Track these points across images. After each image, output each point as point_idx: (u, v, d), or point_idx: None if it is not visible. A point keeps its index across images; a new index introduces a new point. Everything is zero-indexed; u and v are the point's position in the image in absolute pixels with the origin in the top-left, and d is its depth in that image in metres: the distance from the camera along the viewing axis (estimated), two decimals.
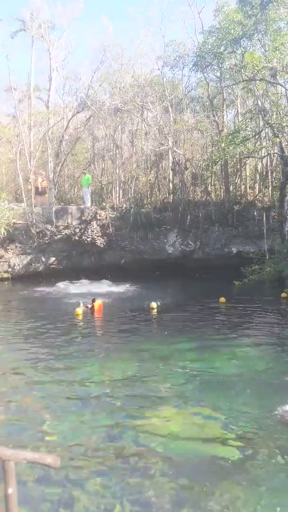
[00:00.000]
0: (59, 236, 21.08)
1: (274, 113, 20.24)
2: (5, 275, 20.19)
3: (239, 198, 24.44)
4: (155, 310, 13.58)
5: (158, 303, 13.90)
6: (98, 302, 13.28)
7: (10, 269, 20.31)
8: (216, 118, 24.09)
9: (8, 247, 20.25)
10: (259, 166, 24.88)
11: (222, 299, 14.42)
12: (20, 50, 31.27)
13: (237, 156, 24.00)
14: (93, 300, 13.28)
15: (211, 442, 5.39)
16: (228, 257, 22.08)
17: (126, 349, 9.56)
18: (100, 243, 21.58)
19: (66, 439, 5.40)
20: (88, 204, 22.45)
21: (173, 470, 4.76)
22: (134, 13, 38.84)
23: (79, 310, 13.09)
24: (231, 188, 25.04)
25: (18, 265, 20.44)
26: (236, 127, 22.78)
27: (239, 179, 26.41)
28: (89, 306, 13.22)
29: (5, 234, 19.66)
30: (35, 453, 3.06)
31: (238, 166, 25.92)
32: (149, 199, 24.64)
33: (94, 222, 21.75)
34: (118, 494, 4.33)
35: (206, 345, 9.69)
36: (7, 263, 20.22)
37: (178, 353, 9.13)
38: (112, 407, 6.44)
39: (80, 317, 12.86)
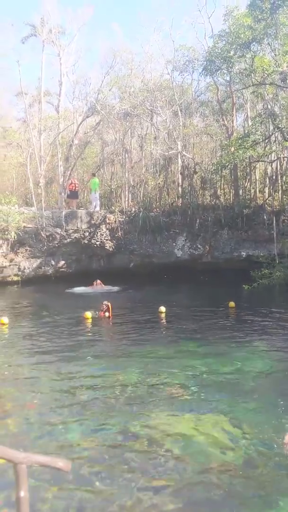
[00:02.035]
0: (68, 240, 21.18)
1: (284, 117, 20.17)
2: (15, 278, 20.32)
3: (248, 202, 24.36)
4: (164, 314, 13.56)
5: (164, 308, 13.86)
6: (108, 305, 13.23)
7: (20, 272, 20.43)
8: (226, 122, 24.08)
9: (18, 251, 20.38)
10: (269, 170, 24.79)
11: (232, 304, 14.34)
12: (31, 55, 31.52)
13: (247, 160, 23.94)
14: (105, 305, 13.22)
15: (220, 446, 5.36)
16: (237, 261, 22.02)
17: (135, 353, 9.55)
18: (109, 246, 21.65)
19: (76, 443, 5.42)
20: (97, 208, 22.54)
21: (183, 473, 4.75)
22: (143, 18, 38.97)
23: (89, 314, 13.10)
24: (240, 192, 24.99)
25: (28, 268, 20.56)
26: (246, 131, 22.74)
27: (248, 183, 26.34)
28: (104, 310, 13.13)
29: (15, 237, 19.79)
30: (47, 457, 3.06)
31: (247, 170, 25.86)
32: (158, 203, 24.69)
33: (103, 225, 21.83)
34: (128, 496, 4.33)
35: (215, 349, 9.66)
36: (17, 266, 20.34)
37: (186, 357, 9.10)
38: (121, 411, 6.44)
39: (90, 321, 12.88)
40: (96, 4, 54.95)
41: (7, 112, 31.21)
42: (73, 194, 23.23)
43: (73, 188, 23.11)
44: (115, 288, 17.68)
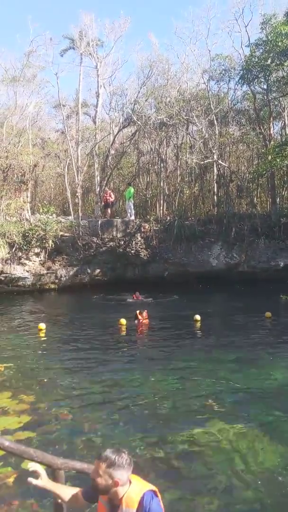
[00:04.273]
0: (104, 248, 21.42)
1: None
2: (52, 286, 20.73)
3: (286, 210, 23.92)
4: (199, 323, 13.47)
5: (199, 317, 13.76)
6: (144, 314, 13.29)
7: (57, 280, 20.82)
8: (263, 131, 23.82)
9: (55, 259, 20.78)
10: None
11: (268, 314, 14.07)
12: (69, 67, 32.32)
13: (284, 168, 23.57)
14: (140, 313, 13.29)
15: (256, 457, 5.26)
16: (274, 271, 21.62)
17: (171, 362, 9.51)
18: (144, 255, 21.72)
19: None
20: (132, 217, 22.69)
21: (223, 483, 4.69)
22: (180, 28, 39.14)
23: (123, 321, 13.21)
24: (277, 200, 24.58)
25: (65, 276, 20.91)
26: (284, 139, 22.45)
27: (286, 191, 25.89)
28: (140, 319, 13.20)
29: (53, 246, 20.21)
30: (84, 463, 3.12)
31: (285, 178, 25.44)
32: (193, 212, 24.64)
33: (138, 234, 21.94)
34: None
35: (251, 361, 9.48)
36: (54, 274, 20.74)
37: (222, 368, 8.98)
38: (157, 421, 6.43)
39: (124, 328, 12.96)
40: (132, 15, 55.82)
41: (46, 123, 32.09)
42: (107, 206, 23.54)
43: (106, 201, 23.42)
44: (150, 299, 17.66)
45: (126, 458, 2.37)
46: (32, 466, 2.68)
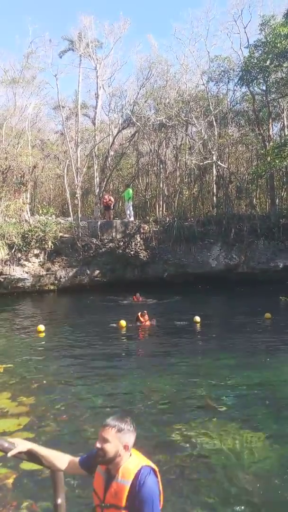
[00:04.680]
0: (103, 249, 21.42)
1: None
2: (51, 287, 20.72)
3: (285, 211, 23.94)
4: (199, 324, 13.46)
5: (199, 318, 13.75)
6: (145, 317, 13.22)
7: (56, 281, 20.81)
8: (262, 132, 23.84)
9: (54, 260, 20.79)
10: None
11: (268, 315, 14.07)
12: (68, 69, 32.44)
13: (284, 169, 23.59)
14: (142, 315, 13.20)
15: (255, 457, 5.26)
16: (274, 272, 21.63)
17: (170, 363, 9.50)
18: (143, 256, 21.72)
19: None
20: (131, 218, 22.69)
21: (222, 483, 4.69)
22: (179, 29, 39.20)
23: (123, 322, 13.19)
24: (277, 201, 24.60)
25: (64, 277, 20.91)
26: (283, 140, 22.47)
27: (285, 192, 25.91)
28: (143, 321, 13.14)
29: (52, 247, 20.21)
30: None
31: (284, 179, 25.46)
32: (192, 213, 24.65)
33: (138, 235, 21.95)
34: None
35: (250, 361, 9.47)
36: (54, 275, 20.73)
37: (221, 369, 8.98)
38: (156, 421, 6.41)
39: (124, 329, 12.95)
40: (132, 16, 55.91)
41: (45, 124, 32.14)
42: (107, 208, 23.55)
43: (106, 204, 23.45)
44: (150, 300, 17.62)
45: (129, 421, 2.42)
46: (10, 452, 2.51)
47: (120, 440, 2.35)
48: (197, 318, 13.64)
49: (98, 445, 2.37)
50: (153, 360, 9.91)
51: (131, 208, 23.02)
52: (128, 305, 16.88)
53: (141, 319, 13.13)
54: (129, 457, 2.41)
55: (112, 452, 2.34)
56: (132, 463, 2.38)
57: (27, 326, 13.61)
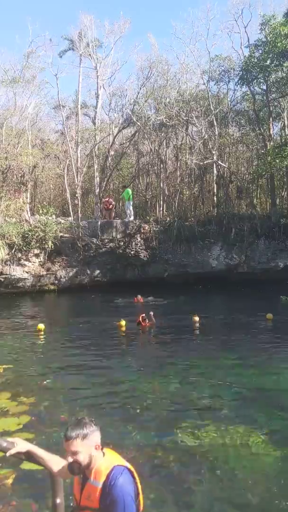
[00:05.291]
0: (103, 249, 21.40)
1: None
2: (52, 287, 20.70)
3: (286, 211, 23.92)
4: (198, 324, 13.44)
5: (198, 318, 13.71)
6: (147, 321, 13.11)
7: (56, 281, 20.79)
8: (262, 131, 23.82)
9: (55, 260, 20.77)
10: None
11: (269, 315, 14.01)
12: (68, 68, 32.49)
13: (284, 169, 23.57)
14: (143, 319, 13.07)
15: (254, 458, 5.24)
16: (274, 272, 21.61)
17: (170, 363, 9.47)
18: (144, 256, 21.70)
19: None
20: (131, 217, 22.67)
21: (223, 483, 4.67)
22: (179, 29, 39.25)
23: (123, 322, 13.17)
24: (277, 201, 24.58)
25: (64, 277, 20.89)
26: (283, 140, 22.46)
27: (286, 192, 25.88)
28: (144, 325, 13.03)
29: (52, 247, 20.19)
30: None
31: (285, 179, 25.43)
32: (193, 213, 24.62)
33: (138, 235, 21.93)
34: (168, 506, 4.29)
35: (251, 361, 9.44)
36: (54, 275, 20.71)
37: (222, 369, 8.95)
38: (156, 421, 6.40)
39: (124, 329, 12.93)
40: (132, 16, 55.92)
41: (45, 124, 32.08)
42: (108, 210, 23.56)
43: (107, 207, 23.48)
44: (150, 298, 17.57)
45: (89, 422, 2.38)
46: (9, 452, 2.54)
47: (88, 445, 2.32)
48: (196, 318, 13.62)
49: (70, 459, 2.32)
50: (153, 360, 9.89)
51: (131, 208, 23.00)
52: (128, 305, 16.85)
53: (142, 323, 13.00)
54: (103, 457, 2.37)
55: (86, 460, 2.32)
56: (104, 464, 2.35)
57: (27, 326, 13.59)
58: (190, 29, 33.44)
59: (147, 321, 13.02)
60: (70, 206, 22.99)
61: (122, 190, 24.09)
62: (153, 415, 6.68)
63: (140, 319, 12.97)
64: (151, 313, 13.21)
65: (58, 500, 2.78)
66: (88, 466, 2.33)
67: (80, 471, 2.35)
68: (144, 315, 13.06)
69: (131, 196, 23.15)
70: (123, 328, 12.95)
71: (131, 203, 23.18)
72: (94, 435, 2.35)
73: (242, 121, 26.56)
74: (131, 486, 2.34)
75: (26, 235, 19.71)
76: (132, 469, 2.39)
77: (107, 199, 24.09)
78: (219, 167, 24.12)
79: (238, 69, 24.19)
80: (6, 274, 19.39)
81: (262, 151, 23.56)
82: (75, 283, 21.07)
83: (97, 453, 2.35)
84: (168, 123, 23.88)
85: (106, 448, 2.42)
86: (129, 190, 23.26)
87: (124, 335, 12.56)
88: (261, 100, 24.86)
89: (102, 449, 2.41)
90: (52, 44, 24.37)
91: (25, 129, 23.34)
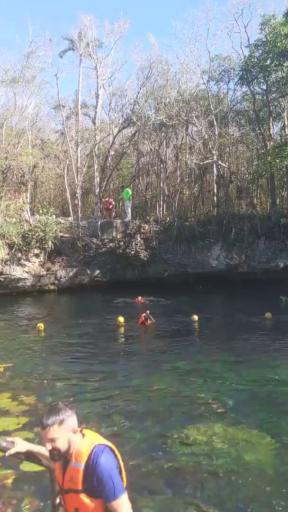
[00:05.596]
0: (103, 249, 21.40)
1: None
2: (52, 287, 20.69)
3: (286, 211, 23.91)
4: (197, 323, 13.45)
5: (197, 317, 13.72)
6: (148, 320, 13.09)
7: (56, 281, 20.79)
8: (262, 131, 23.81)
9: (55, 260, 20.77)
10: None
11: (268, 315, 14.03)
12: (68, 68, 32.54)
13: (284, 169, 23.56)
14: (145, 319, 13.05)
15: (254, 457, 5.23)
16: (274, 271, 21.60)
17: (169, 362, 9.46)
18: (144, 256, 21.70)
19: None
20: (129, 215, 22.63)
21: (220, 484, 4.66)
22: (179, 29, 39.22)
23: (121, 318, 13.22)
24: (277, 201, 24.57)
25: (64, 277, 20.88)
26: (283, 140, 22.46)
27: (286, 192, 25.88)
28: (146, 324, 13.02)
29: (52, 247, 20.18)
30: None
31: (285, 179, 25.43)
32: (193, 213, 24.62)
33: (138, 235, 21.93)
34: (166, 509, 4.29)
35: (250, 361, 9.43)
36: (54, 275, 20.71)
37: (221, 368, 8.94)
38: (156, 421, 6.39)
39: (122, 326, 12.95)
40: (132, 16, 55.93)
41: (45, 124, 32.08)
42: (108, 210, 23.58)
43: (107, 208, 23.50)
44: (153, 301, 17.52)
45: (63, 407, 2.36)
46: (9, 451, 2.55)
47: (66, 430, 2.29)
48: (195, 317, 13.65)
49: (49, 447, 2.30)
50: (153, 360, 9.89)
51: (129, 209, 22.98)
52: (129, 305, 16.85)
53: (145, 323, 12.96)
54: (82, 439, 2.35)
55: (65, 446, 2.30)
56: (84, 445, 2.33)
57: (27, 326, 13.59)
58: (190, 29, 33.50)
59: (148, 320, 13.04)
60: (70, 206, 22.99)
61: (121, 190, 24.12)
62: (152, 414, 6.68)
63: (144, 319, 12.96)
64: (147, 311, 13.25)
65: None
66: (68, 451, 2.32)
67: (60, 457, 2.32)
68: (145, 314, 13.09)
69: (131, 196, 23.16)
70: (122, 325, 12.98)
71: (131, 203, 23.16)
72: (70, 419, 2.33)
73: (242, 121, 26.56)
74: (115, 462, 2.33)
75: (26, 235, 19.70)
76: (114, 447, 2.38)
77: (107, 199, 24.13)
78: (219, 167, 24.11)
79: (238, 69, 24.19)
80: (6, 274, 19.38)
81: (262, 151, 23.56)
82: (75, 283, 21.07)
83: (76, 436, 2.33)
84: (168, 123, 23.88)
85: (85, 429, 2.40)
86: (129, 190, 23.25)
87: (124, 335, 12.55)
88: (261, 100, 24.86)
89: (81, 431, 2.39)
90: (52, 44, 24.41)
91: (25, 129, 23.34)
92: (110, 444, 2.37)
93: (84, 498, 2.27)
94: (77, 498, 2.30)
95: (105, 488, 2.23)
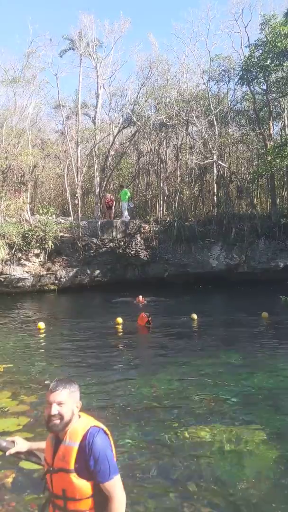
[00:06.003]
0: (104, 249, 21.40)
1: None
2: (52, 287, 20.70)
3: (286, 211, 23.91)
4: (196, 322, 13.45)
5: (196, 316, 13.72)
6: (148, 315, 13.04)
7: (56, 281, 20.79)
8: (262, 131, 23.81)
9: (55, 260, 20.76)
10: None
11: (264, 314, 14.09)
12: (69, 68, 32.51)
13: (284, 169, 23.55)
14: (147, 319, 12.98)
15: (256, 458, 5.23)
16: (274, 271, 21.60)
17: (168, 362, 9.46)
18: (144, 256, 21.70)
19: None
20: (124, 216, 22.61)
21: (221, 485, 4.66)
22: (179, 28, 39.16)
23: (120, 319, 13.23)
24: (277, 201, 24.56)
25: (65, 277, 20.88)
26: (283, 140, 22.44)
27: (286, 192, 25.87)
28: (145, 321, 12.96)
29: (53, 247, 20.18)
30: None
31: (285, 179, 25.41)
32: (193, 212, 24.63)
33: (138, 235, 21.93)
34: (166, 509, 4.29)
35: (248, 360, 9.44)
36: (54, 275, 20.71)
37: (219, 368, 8.94)
38: (156, 421, 6.38)
39: (121, 327, 12.96)
40: (132, 16, 55.92)
41: (45, 124, 32.08)
42: (109, 207, 23.61)
43: (108, 204, 23.53)
44: (154, 301, 17.48)
45: (72, 381, 2.48)
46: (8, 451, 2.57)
47: (73, 400, 2.36)
48: (194, 316, 13.67)
49: (54, 410, 2.31)
50: (153, 360, 9.88)
51: (126, 210, 22.92)
52: (129, 305, 16.85)
53: (150, 322, 12.85)
54: (78, 419, 2.39)
55: (69, 415, 2.33)
56: (80, 424, 2.36)
57: (27, 326, 13.58)
58: (190, 29, 33.43)
59: (150, 319, 13.02)
60: (70, 206, 22.98)
61: (120, 190, 24.13)
62: (152, 414, 6.68)
63: (148, 319, 12.85)
64: (146, 313, 13.20)
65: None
66: (68, 423, 2.34)
67: (59, 427, 2.33)
68: (148, 314, 13.06)
69: (129, 198, 23.17)
70: (120, 326, 12.99)
71: (127, 204, 23.03)
72: (77, 394, 2.44)
73: (242, 121, 26.55)
74: (109, 444, 2.37)
75: (26, 235, 19.70)
76: (108, 431, 2.42)
77: (109, 195, 24.11)
78: (219, 167, 24.10)
79: (238, 69, 24.18)
80: (6, 274, 19.38)
81: (262, 150, 23.55)
82: (75, 283, 21.07)
83: (77, 413, 2.38)
84: (168, 123, 23.87)
85: (81, 412, 2.43)
86: (127, 191, 23.25)
87: (124, 335, 12.56)
88: (261, 100, 24.85)
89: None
90: (52, 44, 24.39)
91: (25, 129, 23.34)
92: (105, 427, 2.41)
93: (74, 478, 2.28)
94: (66, 478, 2.30)
95: (101, 468, 2.25)
